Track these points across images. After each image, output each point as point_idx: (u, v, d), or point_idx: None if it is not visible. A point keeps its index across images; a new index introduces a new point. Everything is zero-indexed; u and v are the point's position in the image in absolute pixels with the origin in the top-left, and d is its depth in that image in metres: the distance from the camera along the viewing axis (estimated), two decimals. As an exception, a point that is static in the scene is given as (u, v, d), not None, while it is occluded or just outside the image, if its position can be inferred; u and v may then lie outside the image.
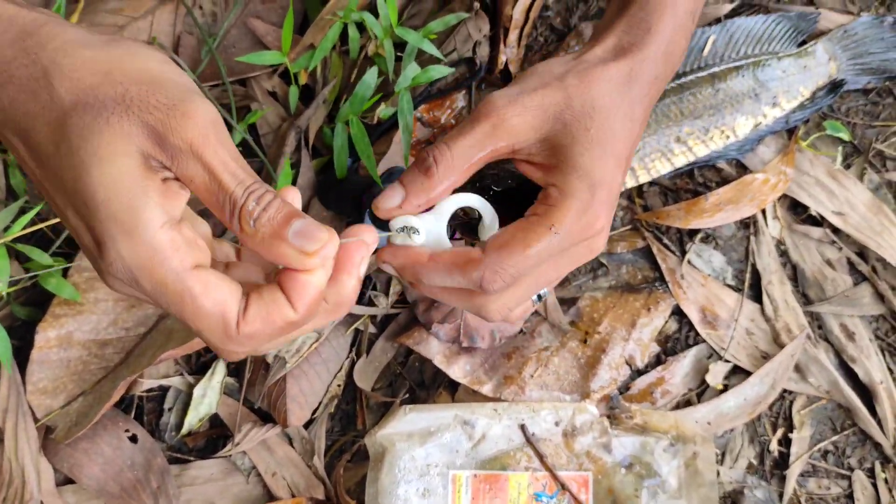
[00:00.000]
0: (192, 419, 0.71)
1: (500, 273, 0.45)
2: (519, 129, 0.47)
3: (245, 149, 0.77)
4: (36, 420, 0.69)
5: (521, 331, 0.73)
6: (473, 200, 0.49)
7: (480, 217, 0.50)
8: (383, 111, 0.74)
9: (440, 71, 0.72)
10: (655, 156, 0.75)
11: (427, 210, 0.48)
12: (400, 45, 0.77)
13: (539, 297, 0.53)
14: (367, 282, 0.75)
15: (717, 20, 0.81)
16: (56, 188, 0.38)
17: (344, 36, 0.76)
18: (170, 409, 0.73)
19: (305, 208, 0.76)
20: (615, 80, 0.49)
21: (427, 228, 0.48)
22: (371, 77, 0.70)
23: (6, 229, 0.69)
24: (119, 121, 0.36)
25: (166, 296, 0.37)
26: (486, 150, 0.47)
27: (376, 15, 0.74)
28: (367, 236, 0.42)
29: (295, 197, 0.44)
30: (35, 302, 0.73)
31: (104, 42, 0.39)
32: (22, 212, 0.70)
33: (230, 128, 0.77)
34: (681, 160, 0.75)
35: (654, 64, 0.50)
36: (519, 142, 0.47)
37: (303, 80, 0.77)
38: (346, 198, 0.72)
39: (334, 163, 0.73)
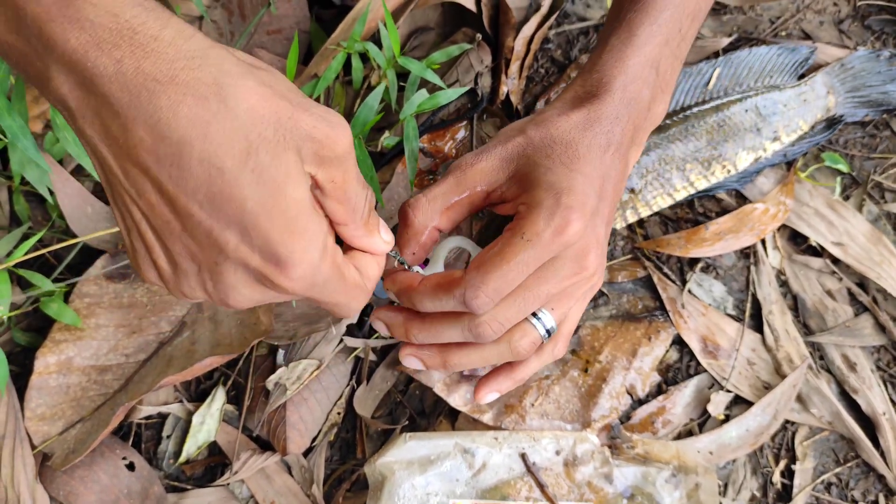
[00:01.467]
0: (191, 447, 0.71)
1: (482, 288, 0.47)
2: (486, 172, 0.52)
3: (248, 176, 0.78)
4: (33, 447, 0.68)
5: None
6: (459, 241, 0.54)
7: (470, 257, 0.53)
8: (387, 140, 0.75)
9: (447, 96, 0.72)
10: (657, 193, 0.75)
11: (425, 263, 0.54)
12: (402, 76, 0.78)
13: (548, 332, 0.53)
14: (368, 310, 0.75)
15: (716, 54, 0.82)
16: (226, 204, 0.37)
17: (347, 66, 0.77)
18: (168, 437, 0.72)
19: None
20: (573, 122, 0.52)
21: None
22: (374, 99, 0.71)
23: (9, 255, 0.69)
24: (293, 138, 0.38)
25: (328, 286, 0.42)
26: (459, 193, 0.52)
27: (380, 46, 0.75)
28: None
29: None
30: (36, 328, 0.73)
31: (252, 71, 0.38)
32: (24, 237, 0.71)
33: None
34: (682, 195, 0.76)
35: (613, 107, 0.53)
36: (489, 183, 0.52)
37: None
38: None
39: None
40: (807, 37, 0.83)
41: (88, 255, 0.75)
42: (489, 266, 0.47)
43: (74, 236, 0.73)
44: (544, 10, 0.82)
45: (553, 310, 0.53)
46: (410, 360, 0.56)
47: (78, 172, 0.76)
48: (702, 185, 0.76)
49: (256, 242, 0.38)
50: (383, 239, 0.47)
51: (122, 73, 0.34)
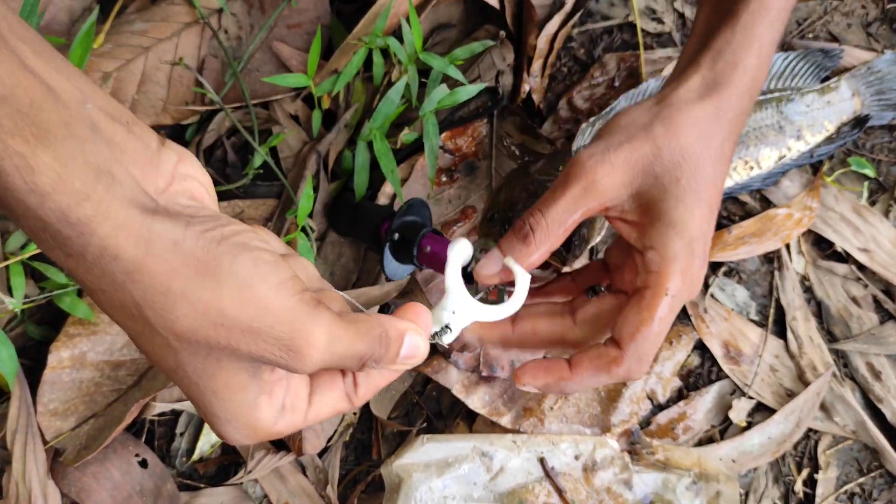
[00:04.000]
0: (204, 445, 0.70)
1: (643, 359, 0.46)
2: (609, 188, 0.47)
3: (266, 171, 0.77)
4: (45, 442, 0.68)
5: (542, 362, 0.71)
6: (468, 247, 0.49)
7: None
8: (406, 136, 0.74)
9: (468, 92, 0.71)
10: None
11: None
12: (423, 73, 0.77)
13: None
14: (385, 310, 0.74)
15: (742, 54, 0.80)
16: (176, 378, 0.37)
17: (368, 62, 0.76)
18: (181, 434, 0.71)
19: (323, 233, 0.75)
20: (702, 123, 0.47)
21: (457, 308, 0.47)
22: (396, 93, 0.70)
23: (23, 247, 0.68)
24: (229, 362, 0.36)
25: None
26: (578, 213, 0.47)
27: (401, 41, 0.74)
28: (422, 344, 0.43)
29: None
30: (49, 321, 0.72)
31: (200, 272, 0.34)
32: (40, 229, 0.70)
33: (251, 150, 0.77)
34: None
35: (739, 100, 0.49)
36: (610, 200, 0.47)
37: (326, 104, 0.77)
38: (361, 225, 0.71)
39: (353, 183, 0.72)
40: (834, 39, 0.82)
41: (103, 248, 0.74)
42: (643, 335, 0.46)
43: (90, 229, 0.72)
44: (568, 7, 0.81)
45: None
46: (531, 387, 0.52)
47: (94, 165, 0.75)
48: (725, 182, 0.75)
49: (209, 412, 0.38)
50: (405, 364, 0.42)
51: (129, 296, 0.34)
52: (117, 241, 0.32)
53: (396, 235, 0.64)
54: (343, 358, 0.38)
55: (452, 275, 0.47)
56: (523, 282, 0.48)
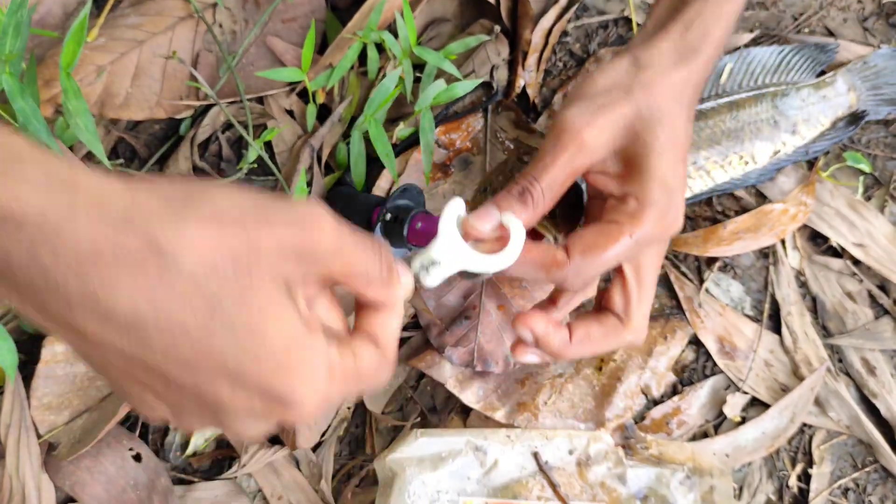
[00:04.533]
0: (198, 439, 0.70)
1: (581, 275, 0.48)
2: (596, 148, 0.49)
3: (260, 166, 0.77)
4: (39, 436, 0.68)
5: (536, 356, 0.71)
6: (459, 205, 0.48)
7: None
8: (401, 131, 0.74)
9: (464, 87, 0.71)
10: None
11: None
12: (418, 67, 0.77)
13: None
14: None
15: (736, 49, 0.80)
16: (205, 361, 0.33)
17: (363, 57, 0.76)
18: (175, 429, 0.71)
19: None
20: (677, 87, 0.51)
21: (446, 250, 0.46)
22: (391, 80, 0.70)
23: (17, 241, 0.68)
24: (259, 268, 0.33)
25: (348, 391, 0.38)
26: (569, 175, 0.49)
27: (396, 36, 0.74)
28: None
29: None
30: (43, 315, 0.72)
31: (189, 208, 0.33)
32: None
33: (246, 145, 0.77)
34: (699, 184, 0.74)
35: (706, 67, 0.52)
36: (596, 159, 0.50)
37: (320, 99, 0.77)
38: (353, 212, 0.71)
39: (348, 176, 0.72)
40: (830, 34, 0.82)
41: (97, 243, 0.74)
42: (593, 256, 0.48)
43: (84, 224, 0.72)
44: (563, 2, 0.81)
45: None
46: (530, 358, 0.53)
47: (88, 159, 0.75)
48: (720, 176, 0.75)
49: (251, 388, 0.34)
50: (404, 287, 0.42)
51: (41, 265, 0.30)
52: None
53: (388, 216, 0.64)
54: (351, 255, 0.37)
55: (446, 221, 0.46)
56: (519, 235, 0.47)
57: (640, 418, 0.71)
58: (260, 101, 0.78)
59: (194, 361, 0.33)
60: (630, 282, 0.52)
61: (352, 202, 0.72)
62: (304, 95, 0.79)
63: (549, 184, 0.49)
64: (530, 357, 0.53)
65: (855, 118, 0.77)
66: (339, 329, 0.40)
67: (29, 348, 0.72)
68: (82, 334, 0.32)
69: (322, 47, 0.79)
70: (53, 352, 0.69)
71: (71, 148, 0.73)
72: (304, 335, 0.35)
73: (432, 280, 0.46)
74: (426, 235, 0.60)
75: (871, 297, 0.75)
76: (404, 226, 0.61)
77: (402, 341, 0.73)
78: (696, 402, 0.72)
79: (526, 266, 0.48)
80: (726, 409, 0.71)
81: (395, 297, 0.42)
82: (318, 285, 0.38)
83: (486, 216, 0.48)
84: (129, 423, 0.71)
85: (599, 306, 0.54)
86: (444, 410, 0.72)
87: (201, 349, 0.32)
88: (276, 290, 0.34)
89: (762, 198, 0.77)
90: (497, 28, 0.78)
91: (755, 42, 0.81)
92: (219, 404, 0.34)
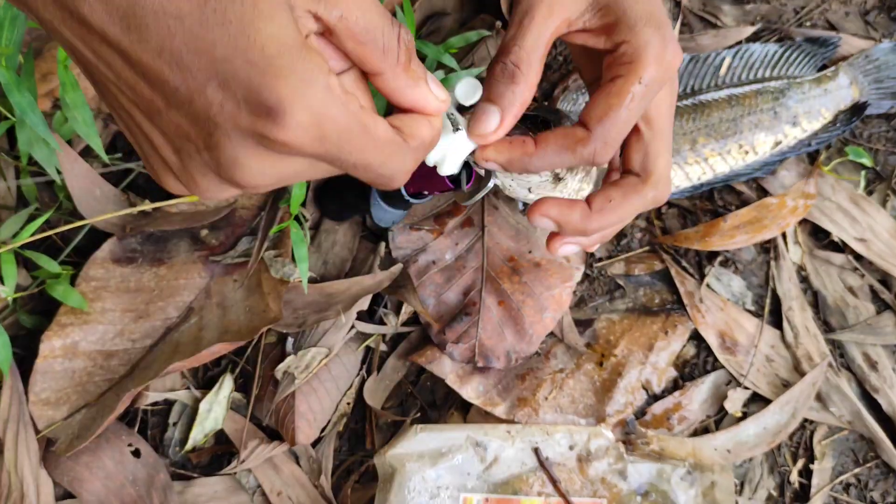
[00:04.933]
0: (198, 434, 0.70)
1: (609, 142, 0.46)
2: (570, 1, 0.47)
3: (259, 161, 0.76)
4: (37, 431, 0.67)
5: (537, 352, 0.71)
6: (472, 81, 0.47)
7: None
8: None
9: (463, 76, 0.71)
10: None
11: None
12: (418, 61, 0.76)
13: None
14: (378, 300, 0.73)
15: (739, 43, 0.80)
16: (197, 54, 0.33)
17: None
18: (174, 424, 0.71)
19: (317, 222, 0.75)
20: None
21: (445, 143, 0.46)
22: None
23: (15, 235, 0.68)
24: None
25: (351, 141, 0.36)
26: (549, 34, 0.46)
27: (396, 29, 0.73)
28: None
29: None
30: (41, 310, 0.72)
31: None
32: (31, 218, 0.70)
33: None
34: (696, 171, 0.73)
35: None
36: (573, 13, 0.47)
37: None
38: (348, 189, 0.70)
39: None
40: (832, 27, 0.82)
41: (96, 237, 0.73)
42: (613, 119, 0.45)
43: (82, 218, 0.71)
44: (564, -5, 0.80)
45: None
46: (567, 248, 0.51)
47: (87, 153, 0.74)
48: (719, 165, 0.74)
49: (240, 94, 0.33)
50: (434, 93, 0.40)
51: None
52: None
53: None
54: (361, 8, 0.36)
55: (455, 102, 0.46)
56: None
57: (640, 414, 0.71)
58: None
59: (186, 57, 0.32)
60: (644, 132, 0.49)
61: (343, 192, 0.71)
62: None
63: (533, 48, 0.46)
64: (567, 248, 0.51)
65: (857, 109, 0.77)
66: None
67: (27, 344, 0.71)
68: (89, 27, 0.33)
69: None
70: (52, 347, 0.68)
71: (69, 142, 0.73)
72: (300, 46, 0.33)
73: (448, 169, 0.46)
74: (425, 174, 0.58)
75: (873, 291, 0.74)
76: None
77: (402, 336, 0.73)
78: (697, 397, 0.72)
79: (550, 154, 0.46)
80: (727, 405, 0.71)
81: (422, 98, 0.39)
82: (330, 28, 0.37)
83: (488, 119, 0.46)
84: (128, 418, 0.71)
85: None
86: (444, 406, 0.71)
87: (194, 41, 0.32)
88: (279, 2, 0.33)
89: (763, 192, 0.77)
90: (498, 24, 0.78)
91: (756, 35, 0.81)
92: (211, 119, 0.34)
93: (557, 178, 0.60)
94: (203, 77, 0.33)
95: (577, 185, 0.66)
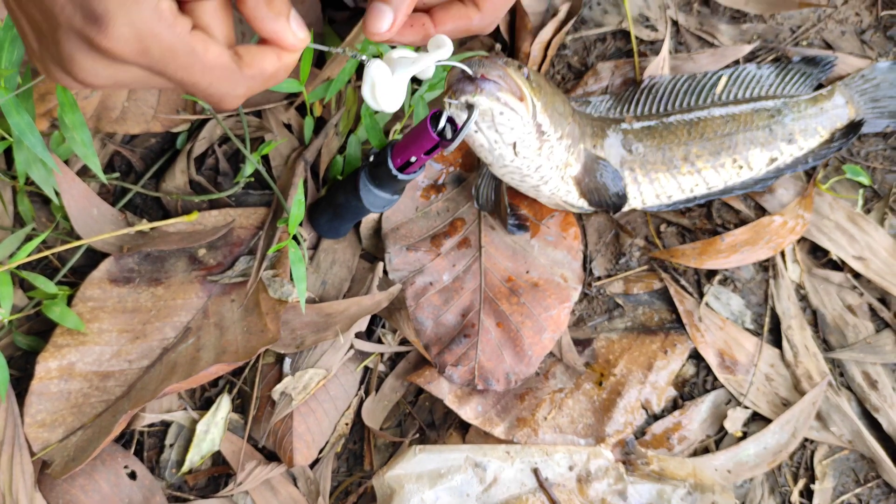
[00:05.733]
0: (194, 456, 0.69)
1: (497, 14, 0.50)
2: None
3: (257, 179, 0.76)
4: (32, 453, 0.67)
5: (536, 372, 0.71)
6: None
7: None
8: (398, 135, 0.74)
9: None
10: (659, 168, 0.73)
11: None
12: (416, 80, 0.76)
13: None
14: (377, 319, 0.73)
15: (736, 62, 0.80)
16: None
17: (360, 70, 0.76)
18: (171, 446, 0.71)
19: (315, 242, 0.75)
20: None
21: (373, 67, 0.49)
22: None
23: (11, 256, 0.68)
24: None
25: (175, 60, 0.39)
26: None
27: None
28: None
29: None
30: (37, 331, 0.71)
31: None
32: (28, 238, 0.69)
33: (242, 158, 0.76)
34: (689, 181, 0.73)
35: None
36: None
37: (318, 112, 0.76)
38: (337, 189, 0.70)
39: (342, 187, 0.72)
40: (828, 46, 0.82)
41: (93, 257, 0.73)
42: None
43: (79, 238, 0.71)
44: (561, 15, 0.81)
45: None
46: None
47: (84, 173, 0.74)
48: (712, 177, 0.74)
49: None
50: (293, 31, 0.43)
51: None
52: None
53: (372, 158, 0.64)
54: None
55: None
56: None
57: (640, 433, 0.70)
58: (258, 114, 0.78)
59: None
60: None
61: (337, 203, 0.71)
62: (302, 110, 0.78)
63: None
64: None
65: (853, 126, 0.77)
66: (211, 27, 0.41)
67: (23, 365, 0.71)
68: None
69: (320, 61, 0.79)
70: (48, 368, 0.68)
71: (67, 162, 0.73)
72: None
73: (385, 102, 0.49)
74: (412, 135, 0.60)
75: (872, 310, 0.74)
76: (387, 156, 0.61)
77: (401, 356, 0.73)
78: (696, 416, 0.71)
79: (448, 31, 0.49)
80: (727, 424, 0.71)
81: (280, 32, 0.42)
82: None
83: (381, 16, 0.46)
84: (124, 440, 0.70)
85: None
86: (443, 426, 0.71)
87: None
88: None
89: (761, 210, 0.77)
90: (498, 46, 0.78)
91: (753, 54, 0.81)
92: (54, 16, 0.38)
93: (541, 132, 0.61)
94: None
95: (564, 157, 0.67)
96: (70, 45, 0.39)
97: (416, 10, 0.49)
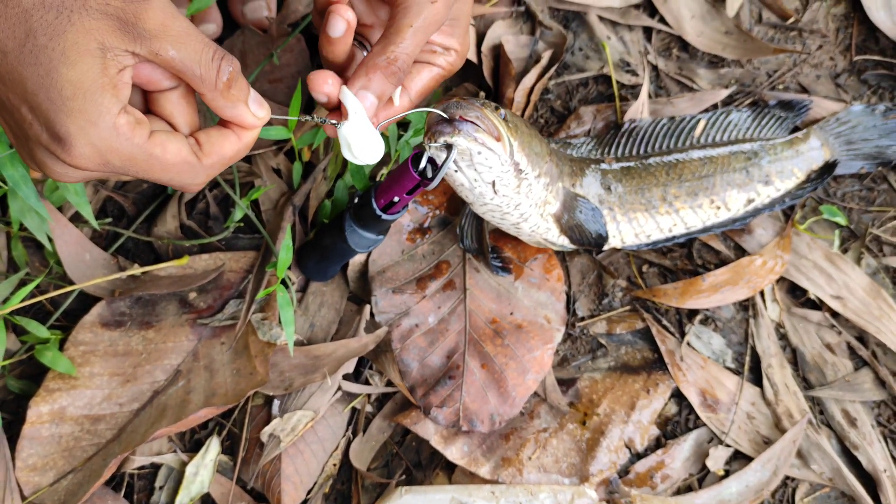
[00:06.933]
0: (184, 498, 0.70)
1: (412, 56, 0.51)
2: None
3: (247, 223, 0.78)
4: (23, 497, 0.67)
5: (521, 412, 0.72)
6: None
7: None
8: (385, 176, 0.75)
9: None
10: (638, 207, 0.74)
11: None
12: (403, 126, 0.78)
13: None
14: (364, 361, 0.74)
15: (714, 105, 0.82)
16: (13, 84, 0.41)
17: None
18: (161, 488, 0.71)
19: (304, 285, 0.76)
20: None
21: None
22: None
23: (5, 301, 0.69)
24: (80, 18, 0.40)
25: (136, 165, 0.44)
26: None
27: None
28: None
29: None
30: (30, 374, 0.73)
31: None
32: (22, 283, 0.71)
33: (233, 202, 0.78)
34: (667, 221, 0.75)
35: None
36: None
37: (306, 157, 0.78)
38: (324, 232, 0.72)
39: (328, 232, 0.73)
40: (804, 90, 0.84)
41: (85, 301, 0.74)
42: (411, 42, 0.50)
43: (72, 283, 0.73)
44: (544, 61, 0.83)
45: None
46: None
47: (77, 219, 0.76)
48: (689, 217, 0.76)
49: (41, 121, 0.41)
50: (252, 112, 0.47)
51: None
52: None
53: (356, 199, 0.66)
54: (178, 42, 0.42)
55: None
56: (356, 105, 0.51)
57: (624, 472, 0.71)
58: (248, 160, 0.80)
59: (10, 82, 0.41)
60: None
61: (325, 247, 0.72)
62: (290, 155, 0.80)
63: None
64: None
65: (827, 167, 0.79)
66: (177, 122, 0.46)
67: (14, 408, 0.72)
68: None
69: (308, 107, 0.81)
70: (39, 412, 0.69)
71: (60, 208, 0.75)
72: (96, 89, 0.41)
73: (361, 152, 0.52)
74: (390, 188, 0.62)
75: (850, 348, 0.76)
76: (371, 197, 0.63)
77: (388, 396, 0.74)
78: (679, 455, 0.72)
79: (375, 83, 0.50)
80: (709, 463, 0.72)
81: (240, 116, 0.46)
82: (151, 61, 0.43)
83: (321, 81, 0.50)
84: (114, 483, 0.71)
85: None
86: (430, 466, 0.72)
87: (12, 73, 0.41)
88: (86, 43, 0.41)
89: (741, 251, 0.79)
90: (482, 94, 0.80)
91: (731, 98, 0.83)
92: (25, 131, 0.43)
93: (519, 170, 0.63)
94: (19, 100, 0.42)
95: (543, 195, 0.68)
96: (41, 154, 0.44)
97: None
